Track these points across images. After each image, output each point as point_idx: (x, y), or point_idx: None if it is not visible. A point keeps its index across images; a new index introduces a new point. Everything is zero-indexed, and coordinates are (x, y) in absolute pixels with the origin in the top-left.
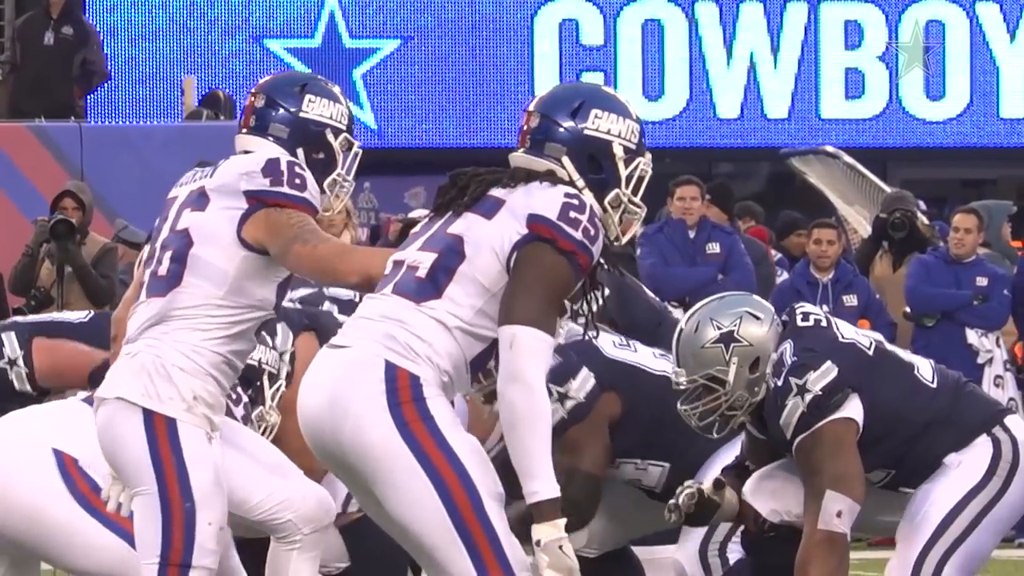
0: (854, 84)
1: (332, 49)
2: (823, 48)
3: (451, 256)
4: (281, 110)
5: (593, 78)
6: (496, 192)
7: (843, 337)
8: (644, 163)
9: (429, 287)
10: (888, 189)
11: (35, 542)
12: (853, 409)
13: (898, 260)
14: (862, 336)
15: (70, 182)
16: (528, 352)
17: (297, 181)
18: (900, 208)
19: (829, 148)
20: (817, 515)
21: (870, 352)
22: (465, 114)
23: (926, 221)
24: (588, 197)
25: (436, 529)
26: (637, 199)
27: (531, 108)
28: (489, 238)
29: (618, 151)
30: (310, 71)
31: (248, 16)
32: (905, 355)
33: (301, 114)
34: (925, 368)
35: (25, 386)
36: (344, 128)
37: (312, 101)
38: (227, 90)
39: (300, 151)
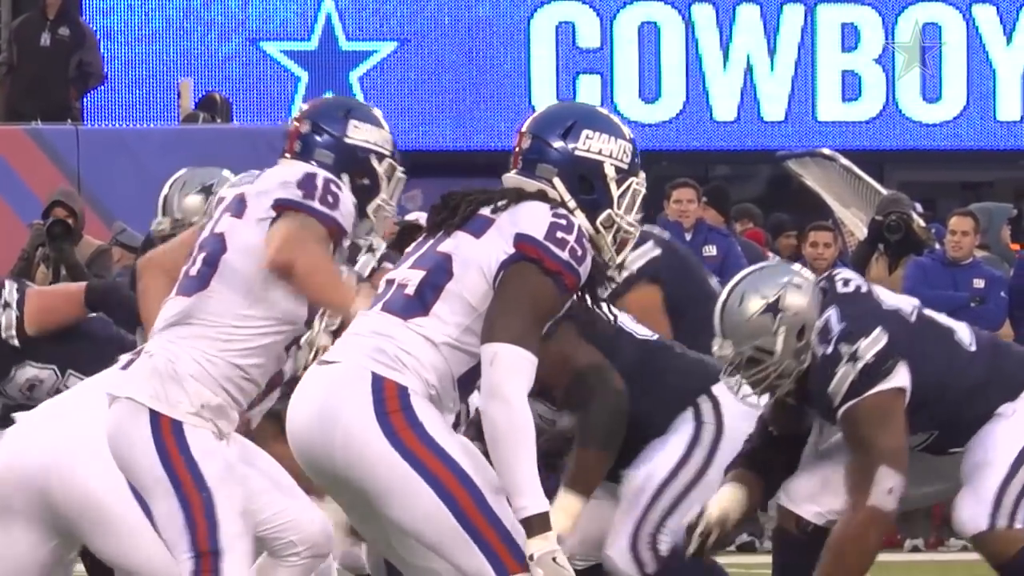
0: (851, 86)
1: (329, 52)
2: (820, 50)
3: (439, 274)
4: (326, 136)
5: (590, 81)
6: (486, 211)
7: (886, 304)
8: (637, 183)
9: (416, 304)
10: (884, 191)
11: (87, 529)
12: (902, 377)
13: (894, 262)
14: (903, 302)
15: (59, 190)
16: (509, 368)
17: (330, 199)
18: (896, 210)
19: (826, 151)
20: (866, 491)
21: (912, 319)
22: (462, 117)
23: (922, 223)
24: (579, 218)
25: (443, 530)
26: (631, 219)
27: (524, 128)
28: (477, 257)
29: (610, 171)
30: (306, 72)
31: (245, 19)
32: (943, 320)
33: (346, 139)
34: (963, 332)
35: (11, 331)
36: (388, 153)
37: (357, 127)
38: (224, 93)
39: (345, 176)
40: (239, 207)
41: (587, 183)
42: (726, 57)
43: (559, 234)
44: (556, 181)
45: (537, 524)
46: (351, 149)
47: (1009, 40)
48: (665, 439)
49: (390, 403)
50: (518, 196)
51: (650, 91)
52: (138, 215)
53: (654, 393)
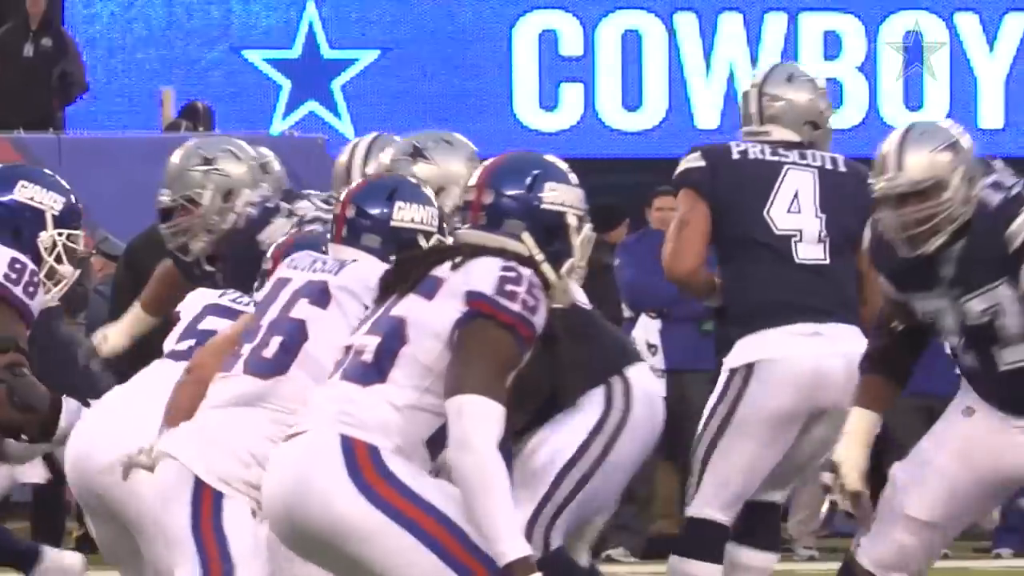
0: (833, 94)
1: (311, 60)
2: (802, 58)
3: (393, 339)
4: (370, 220)
5: (572, 89)
6: (437, 271)
7: None
8: (588, 228)
9: (374, 371)
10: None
11: (141, 532)
12: None
13: None
14: None
15: None
16: (476, 417)
17: None
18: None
19: None
20: None
21: None
22: (444, 125)
23: None
24: (527, 270)
25: (431, 574)
26: (583, 263)
27: (481, 182)
28: (430, 319)
29: (572, 221)
30: (289, 80)
31: (227, 27)
32: None
33: (392, 223)
34: None
35: None
36: (435, 230)
37: (402, 208)
38: (206, 101)
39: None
40: (322, 298)
41: (551, 235)
42: (708, 65)
43: (508, 287)
44: (525, 236)
45: (518, 569)
46: (397, 232)
47: (991, 48)
48: (572, 416)
49: (361, 461)
50: (472, 252)
51: (633, 99)
52: (121, 223)
53: (574, 361)
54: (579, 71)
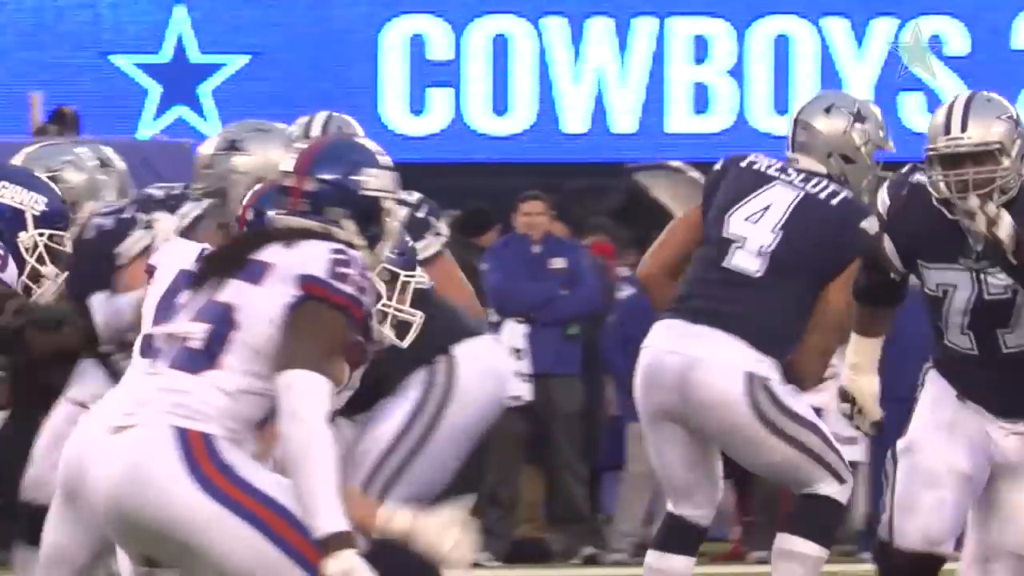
0: (701, 99)
1: (180, 64)
2: (671, 63)
3: (223, 325)
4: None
5: (441, 93)
6: (262, 256)
7: None
8: (398, 212)
9: (204, 357)
10: None
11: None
12: None
13: None
14: None
15: None
16: (306, 392)
17: None
18: None
19: (675, 163)
20: None
21: None
22: None
23: None
24: (355, 252)
25: (272, 565)
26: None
27: (301, 169)
28: (261, 305)
29: (388, 206)
30: (159, 85)
31: (96, 31)
32: None
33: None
34: None
35: None
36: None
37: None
38: (75, 106)
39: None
40: None
41: (369, 220)
42: (577, 69)
43: (340, 269)
44: (346, 222)
45: (332, 544)
46: None
47: (860, 52)
48: (393, 403)
49: (198, 454)
50: (302, 235)
51: (501, 104)
52: None
53: (393, 347)
54: (448, 76)
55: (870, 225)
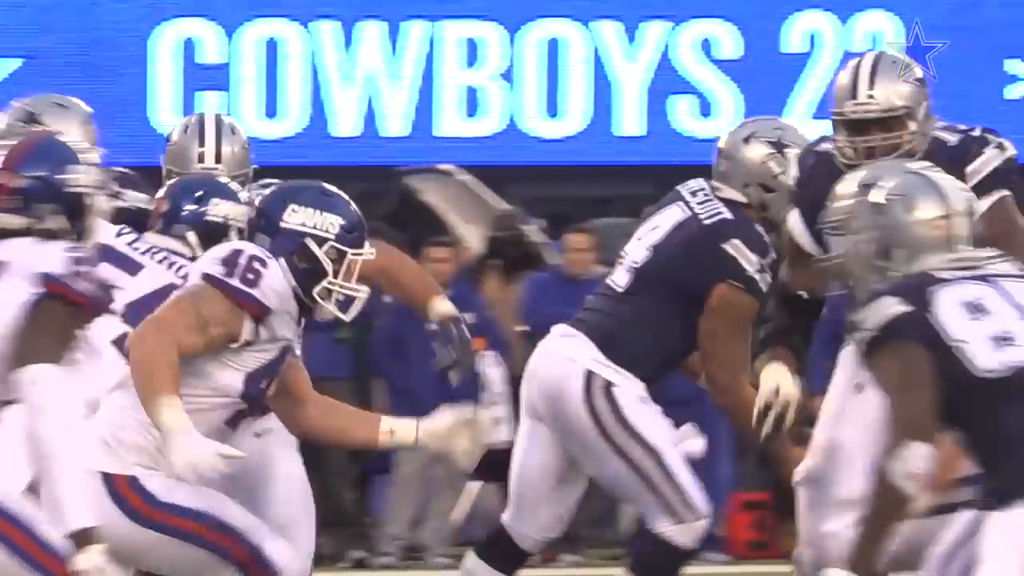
0: (471, 103)
1: None
2: (442, 66)
3: None
4: None
5: (212, 97)
6: None
7: None
8: (102, 207)
9: None
10: (504, 207)
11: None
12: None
13: (511, 278)
14: None
15: None
16: (52, 385)
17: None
18: (508, 226)
19: (444, 166)
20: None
21: None
22: None
23: (542, 239)
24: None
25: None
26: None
27: (9, 166)
28: None
29: (91, 201)
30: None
31: None
32: None
33: None
34: None
35: None
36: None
37: None
38: None
39: None
40: None
41: (76, 216)
42: (348, 72)
43: (76, 267)
44: (55, 218)
45: (79, 540)
46: None
47: (632, 55)
48: None
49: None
50: (12, 232)
51: (272, 108)
52: None
53: None
54: (219, 80)
55: (733, 248)
